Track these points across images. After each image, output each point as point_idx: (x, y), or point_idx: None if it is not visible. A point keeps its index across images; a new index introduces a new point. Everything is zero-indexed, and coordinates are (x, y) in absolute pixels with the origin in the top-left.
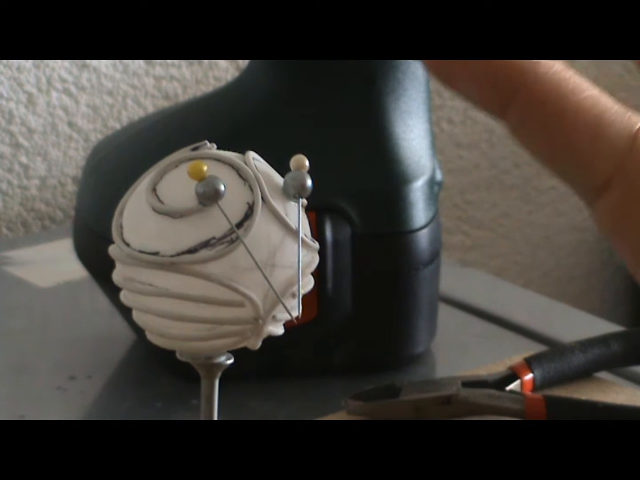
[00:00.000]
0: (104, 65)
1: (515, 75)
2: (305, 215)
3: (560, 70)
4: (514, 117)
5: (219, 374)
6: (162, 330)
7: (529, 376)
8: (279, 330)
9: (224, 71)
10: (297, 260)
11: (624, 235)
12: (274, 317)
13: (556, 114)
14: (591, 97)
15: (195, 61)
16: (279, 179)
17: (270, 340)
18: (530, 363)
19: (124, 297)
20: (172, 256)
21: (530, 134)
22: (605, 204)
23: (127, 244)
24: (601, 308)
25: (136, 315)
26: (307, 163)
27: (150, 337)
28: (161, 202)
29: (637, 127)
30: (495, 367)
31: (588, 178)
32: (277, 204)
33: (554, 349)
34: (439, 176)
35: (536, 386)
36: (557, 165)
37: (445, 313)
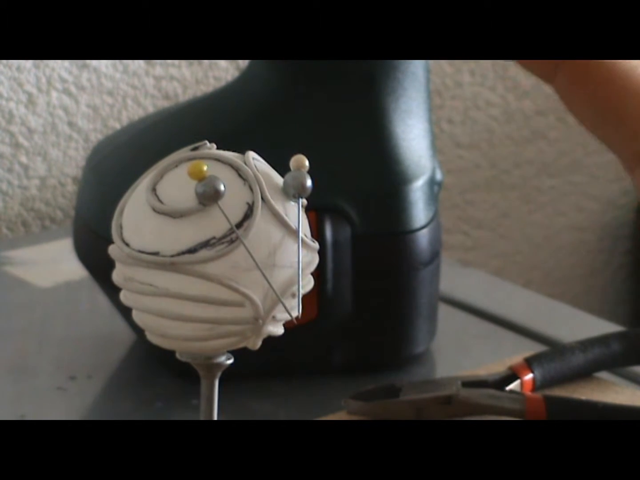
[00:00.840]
0: (104, 65)
1: None
2: (305, 215)
3: None
4: (563, 80)
5: (219, 374)
6: (162, 330)
7: (529, 376)
8: (279, 330)
9: (224, 71)
10: (297, 260)
11: None
12: (274, 317)
13: (605, 77)
14: None
15: (195, 61)
16: (278, 179)
17: (270, 340)
18: (530, 363)
19: (124, 297)
20: (172, 256)
21: (578, 97)
22: None
23: (127, 244)
24: (601, 308)
25: (136, 315)
26: (307, 163)
27: (150, 337)
28: (161, 202)
29: None
30: (495, 367)
31: (633, 145)
32: (277, 204)
33: (554, 349)
34: (439, 176)
35: (536, 386)
36: (603, 129)
37: (445, 313)
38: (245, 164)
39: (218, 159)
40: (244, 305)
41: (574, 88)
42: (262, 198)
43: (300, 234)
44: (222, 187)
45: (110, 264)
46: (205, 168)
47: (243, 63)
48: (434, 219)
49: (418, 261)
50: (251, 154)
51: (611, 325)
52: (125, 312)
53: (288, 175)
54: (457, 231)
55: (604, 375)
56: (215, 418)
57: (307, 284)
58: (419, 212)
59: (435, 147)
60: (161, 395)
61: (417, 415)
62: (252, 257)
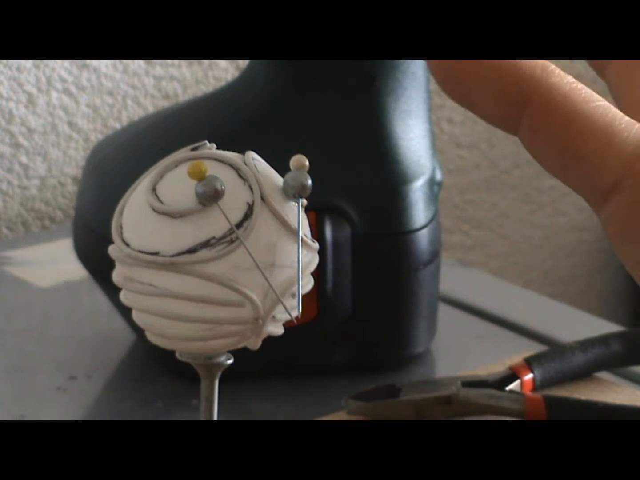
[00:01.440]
0: (104, 65)
1: (527, 84)
2: (305, 215)
3: (572, 82)
4: (525, 128)
5: (219, 374)
6: (162, 330)
7: (529, 376)
8: (279, 330)
9: (224, 71)
10: (297, 260)
11: (630, 238)
12: (274, 317)
13: (566, 119)
14: (602, 106)
15: (195, 61)
16: (279, 179)
17: (270, 340)
18: (530, 363)
19: (124, 297)
20: (172, 256)
21: (541, 142)
22: (613, 208)
23: (127, 244)
24: (601, 308)
25: (136, 315)
26: (307, 163)
27: (150, 337)
28: (161, 202)
29: None
30: (495, 367)
31: (596, 182)
32: (277, 204)
33: (554, 349)
34: (439, 176)
35: (536, 386)
36: (567, 171)
37: (445, 313)
38: (245, 164)
39: (218, 159)
40: (244, 305)
41: (536, 134)
42: (262, 198)
43: (300, 234)
44: (222, 187)
45: (110, 264)
46: (205, 168)
47: (243, 63)
48: (434, 219)
49: (418, 261)
50: (251, 154)
51: (611, 325)
52: (125, 312)
53: (288, 175)
54: (457, 231)
55: (604, 375)
56: (215, 418)
57: (307, 284)
58: (419, 212)
59: (435, 147)
60: (161, 395)
61: (417, 415)
62: (252, 257)
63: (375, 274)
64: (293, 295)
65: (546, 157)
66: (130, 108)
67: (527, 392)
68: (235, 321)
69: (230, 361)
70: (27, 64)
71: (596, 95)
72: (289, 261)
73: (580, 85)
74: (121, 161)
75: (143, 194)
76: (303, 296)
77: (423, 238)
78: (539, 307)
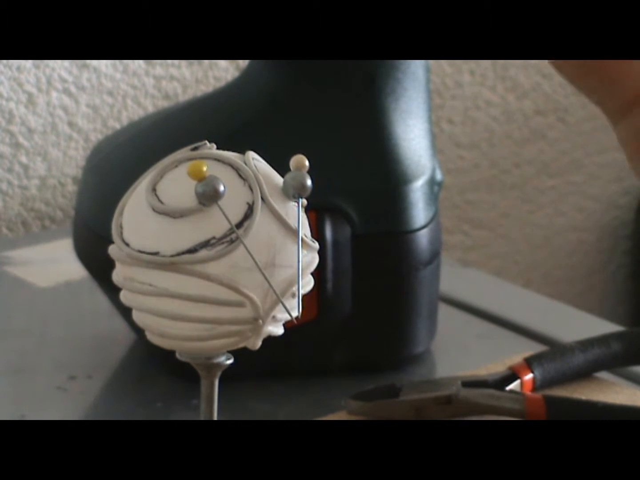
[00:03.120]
0: (104, 65)
1: None
2: (305, 215)
3: None
4: None
5: (219, 374)
6: (162, 330)
7: (529, 376)
8: (279, 330)
9: (224, 71)
10: (297, 260)
11: None
12: (274, 317)
13: None
14: None
15: (195, 61)
16: (278, 179)
17: (270, 340)
18: (530, 363)
19: (124, 297)
20: (171, 256)
21: (564, 62)
22: (631, 122)
23: (127, 244)
24: (601, 308)
25: (136, 315)
26: (307, 163)
27: (150, 337)
28: (161, 202)
29: None
30: (495, 367)
31: (617, 94)
32: (277, 204)
33: (554, 349)
34: (439, 176)
35: (536, 386)
36: (587, 81)
37: (445, 313)
38: (245, 164)
39: (218, 159)
40: (244, 305)
41: None
42: (262, 198)
43: (300, 234)
44: (222, 187)
45: (110, 264)
46: (205, 168)
47: (243, 63)
48: (434, 219)
49: (418, 261)
50: (251, 154)
51: (611, 325)
52: (125, 312)
53: (288, 175)
54: (457, 231)
55: (604, 375)
56: (215, 418)
57: (307, 284)
58: (419, 212)
59: (435, 147)
60: (161, 395)
61: (417, 415)
62: (252, 257)
63: (375, 274)
64: (293, 295)
65: (565, 65)
66: (130, 108)
67: (527, 392)
68: (235, 321)
69: (230, 361)
70: (27, 64)
71: None
72: (289, 261)
73: None
74: (121, 161)
75: (143, 194)
76: (303, 296)
77: (423, 238)
78: (539, 307)
